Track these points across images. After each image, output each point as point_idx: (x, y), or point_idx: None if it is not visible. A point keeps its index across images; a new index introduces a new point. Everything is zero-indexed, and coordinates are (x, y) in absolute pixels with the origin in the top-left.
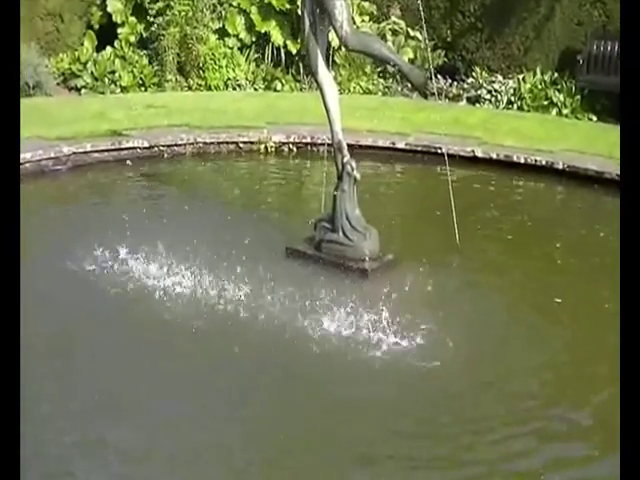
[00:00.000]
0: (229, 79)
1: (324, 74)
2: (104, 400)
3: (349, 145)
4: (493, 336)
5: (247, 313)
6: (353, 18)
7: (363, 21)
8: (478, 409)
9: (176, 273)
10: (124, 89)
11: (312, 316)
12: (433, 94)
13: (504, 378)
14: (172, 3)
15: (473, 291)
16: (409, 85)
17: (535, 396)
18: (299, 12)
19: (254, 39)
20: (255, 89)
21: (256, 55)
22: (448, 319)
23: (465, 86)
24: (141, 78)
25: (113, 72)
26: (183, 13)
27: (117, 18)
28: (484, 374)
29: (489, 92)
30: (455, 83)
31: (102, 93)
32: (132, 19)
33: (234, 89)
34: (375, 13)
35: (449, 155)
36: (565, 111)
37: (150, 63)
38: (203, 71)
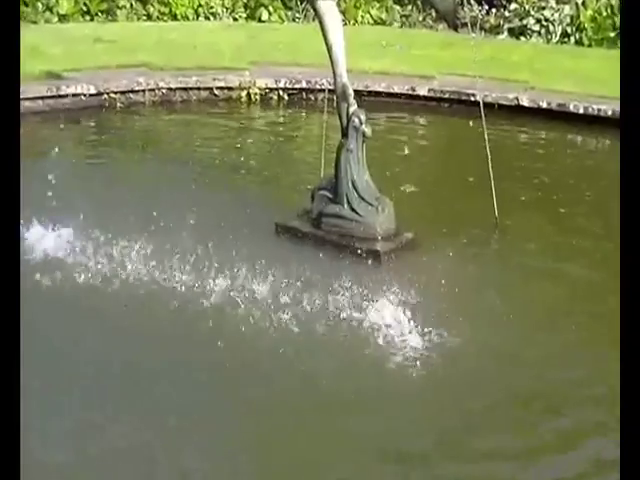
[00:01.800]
0: (200, 6)
1: (325, 0)
2: None
3: (357, 92)
4: (546, 344)
5: (217, 313)
6: None
7: None
8: None
9: (136, 267)
10: (63, 18)
11: (305, 319)
12: (465, 25)
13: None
14: None
15: (518, 281)
16: (433, 13)
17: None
18: None
19: None
20: (234, 19)
21: None
22: (485, 322)
23: (506, 14)
24: (85, 4)
25: None
26: None
27: None
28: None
29: (538, 21)
30: (493, 10)
31: (34, 23)
32: None
33: (207, 19)
34: None
35: (485, 104)
36: None
37: None
38: None
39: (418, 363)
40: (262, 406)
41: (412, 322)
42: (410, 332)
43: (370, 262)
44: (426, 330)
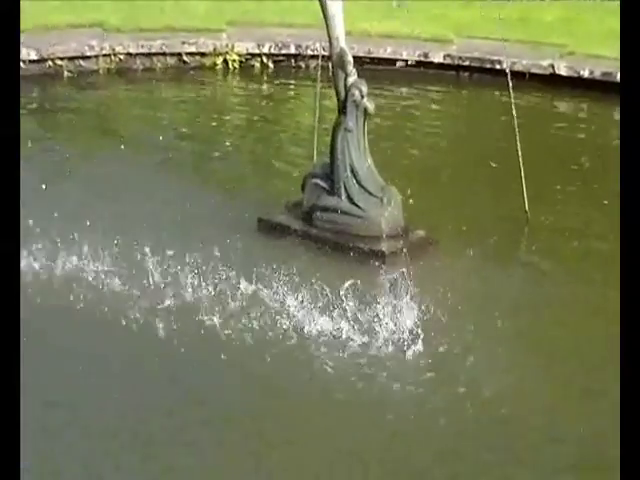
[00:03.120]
0: None
1: None
2: None
3: (358, 58)
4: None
5: (185, 327)
6: None
7: None
8: None
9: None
10: None
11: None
12: None
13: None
14: None
15: (549, 291)
16: None
17: None
18: None
19: None
20: None
21: None
22: (510, 340)
23: None
24: None
25: None
26: None
27: None
28: None
29: None
30: None
31: None
32: None
33: None
34: None
35: (514, 73)
36: None
37: None
38: None
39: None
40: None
41: (419, 348)
42: (416, 363)
43: (373, 265)
44: (433, 369)
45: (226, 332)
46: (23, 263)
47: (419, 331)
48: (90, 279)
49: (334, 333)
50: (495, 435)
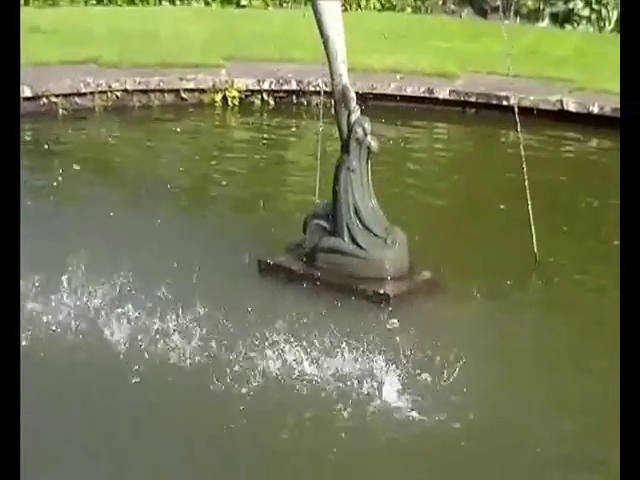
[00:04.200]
0: None
1: None
2: None
3: (361, 95)
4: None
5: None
6: None
7: None
8: None
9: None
10: None
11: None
12: (496, 9)
13: None
14: None
15: (562, 337)
16: None
17: None
18: None
19: None
20: (207, 2)
21: None
22: (528, 393)
23: None
24: None
25: None
26: None
27: None
28: None
29: (587, 5)
30: None
31: None
32: None
33: (172, 3)
34: None
35: (522, 109)
36: None
37: None
38: None
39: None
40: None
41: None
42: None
43: (378, 309)
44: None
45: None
46: None
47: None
48: (88, 331)
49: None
50: None
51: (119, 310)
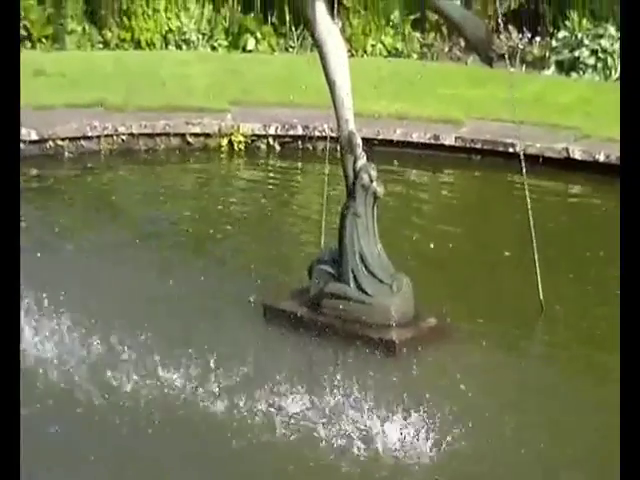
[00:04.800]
0: (170, 31)
1: (325, 25)
2: None
3: (367, 140)
4: None
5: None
6: None
7: None
8: None
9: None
10: None
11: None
12: (501, 57)
13: None
14: None
15: (571, 389)
16: (462, 42)
17: None
18: None
19: None
20: (213, 47)
21: None
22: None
23: (554, 43)
24: (25, 27)
25: None
26: None
27: None
28: None
29: (593, 53)
30: (537, 39)
31: None
32: None
33: (179, 47)
34: None
35: (527, 156)
36: None
37: (40, 2)
38: (128, 17)
39: None
40: None
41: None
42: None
43: (382, 355)
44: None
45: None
46: None
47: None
48: (94, 381)
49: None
50: None
51: (121, 350)
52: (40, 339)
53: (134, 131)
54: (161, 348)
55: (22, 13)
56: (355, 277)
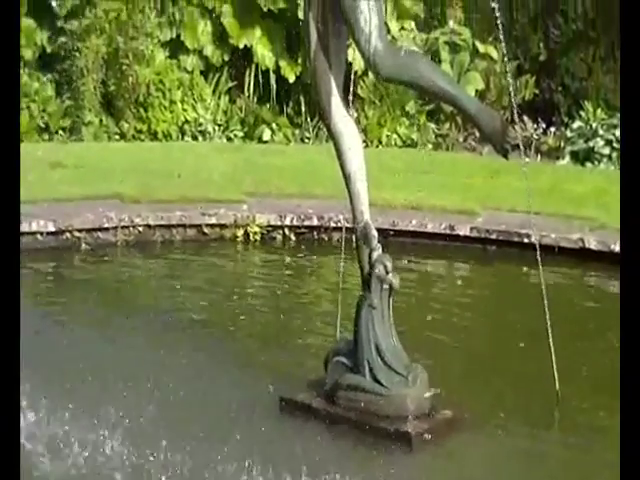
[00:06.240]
0: (186, 122)
1: (341, 116)
2: None
3: (382, 231)
4: None
5: None
6: (387, 25)
7: (403, 29)
8: None
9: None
10: None
11: None
12: (516, 147)
13: None
14: None
15: None
16: (477, 134)
17: None
18: (301, 16)
19: (227, 58)
20: (229, 138)
21: (231, 84)
22: None
23: (569, 134)
24: (43, 119)
25: None
26: (112, 14)
27: None
28: None
29: (608, 143)
30: (552, 129)
31: None
32: (28, 22)
33: (195, 138)
34: (423, 16)
35: (543, 247)
36: None
37: (58, 95)
38: (145, 109)
39: None
40: None
41: None
42: None
43: (398, 448)
44: None
45: None
46: None
47: None
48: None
49: None
50: None
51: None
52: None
53: (150, 222)
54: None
55: (40, 105)
56: (371, 368)
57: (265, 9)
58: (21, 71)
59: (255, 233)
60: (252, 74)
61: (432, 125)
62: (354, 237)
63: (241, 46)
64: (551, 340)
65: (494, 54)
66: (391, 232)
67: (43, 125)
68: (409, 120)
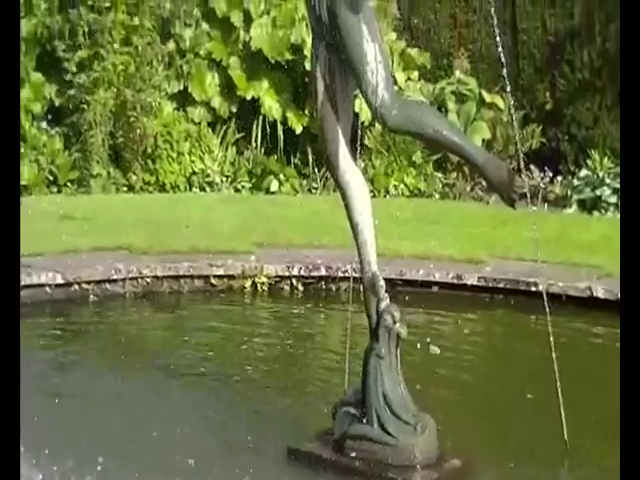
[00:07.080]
0: (194, 174)
1: (348, 167)
2: None
3: (389, 281)
4: None
5: None
6: (394, 77)
7: (410, 80)
8: None
9: None
10: (23, 189)
11: None
12: (523, 196)
13: None
14: (102, 51)
15: None
16: (484, 183)
17: None
18: (308, 67)
19: (235, 109)
20: (237, 189)
21: (238, 135)
22: None
23: (576, 182)
24: (51, 171)
25: None
26: (120, 67)
27: None
28: None
29: (615, 192)
30: (559, 178)
31: None
32: (37, 75)
33: (202, 190)
34: (429, 67)
35: (550, 295)
36: None
37: (66, 147)
38: (152, 161)
39: None
40: None
41: None
42: None
43: None
44: None
45: None
46: None
47: None
48: None
49: None
50: None
51: None
52: None
53: (158, 273)
54: None
55: (49, 158)
56: (379, 418)
57: (272, 61)
58: (30, 124)
59: (263, 284)
60: (259, 125)
61: (439, 175)
62: (362, 287)
63: (248, 98)
64: (559, 390)
65: (500, 104)
66: (399, 282)
67: (51, 178)
68: (416, 170)
